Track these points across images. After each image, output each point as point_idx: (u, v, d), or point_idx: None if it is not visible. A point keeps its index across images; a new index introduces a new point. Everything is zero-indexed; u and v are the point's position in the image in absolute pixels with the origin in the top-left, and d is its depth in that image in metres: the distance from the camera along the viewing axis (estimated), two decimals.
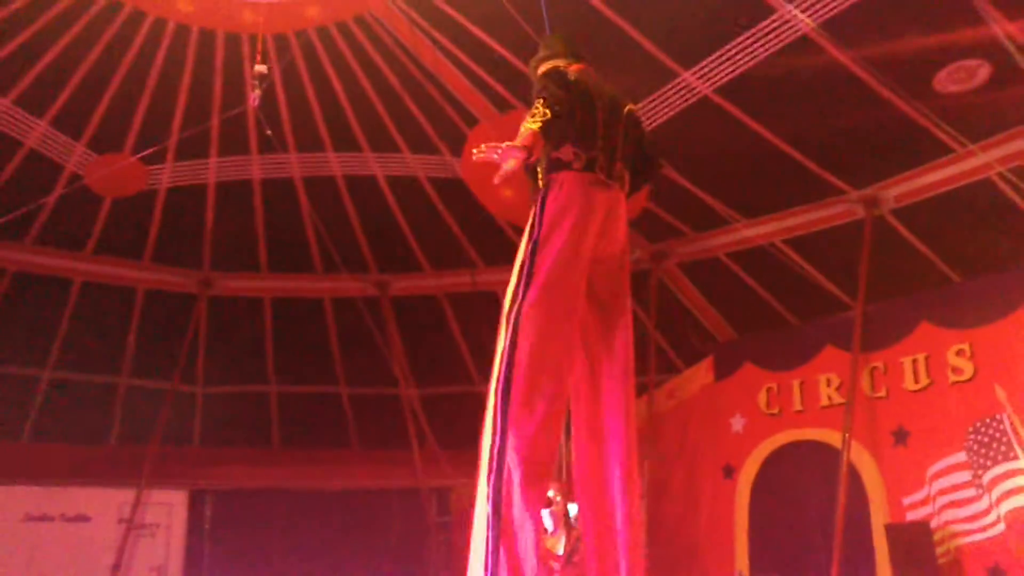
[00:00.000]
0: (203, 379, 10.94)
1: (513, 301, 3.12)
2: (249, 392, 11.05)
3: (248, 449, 10.91)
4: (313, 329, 10.93)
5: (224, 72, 8.33)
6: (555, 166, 3.25)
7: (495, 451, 2.93)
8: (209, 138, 8.97)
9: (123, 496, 10.13)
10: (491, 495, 2.88)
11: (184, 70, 8.30)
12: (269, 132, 8.33)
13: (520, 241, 3.35)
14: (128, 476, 10.12)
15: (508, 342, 3.04)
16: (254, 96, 7.36)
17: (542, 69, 3.59)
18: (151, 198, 9.57)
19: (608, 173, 3.31)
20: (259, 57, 7.49)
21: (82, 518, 10.07)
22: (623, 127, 3.48)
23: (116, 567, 9.83)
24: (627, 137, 3.49)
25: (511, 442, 2.91)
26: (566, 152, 3.26)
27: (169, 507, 10.44)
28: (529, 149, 2.98)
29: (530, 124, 3.04)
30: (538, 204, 3.22)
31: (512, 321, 3.06)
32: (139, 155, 8.45)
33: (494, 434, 2.95)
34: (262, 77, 7.28)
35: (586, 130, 3.27)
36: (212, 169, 9.39)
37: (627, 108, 3.57)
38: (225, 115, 8.28)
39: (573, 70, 3.51)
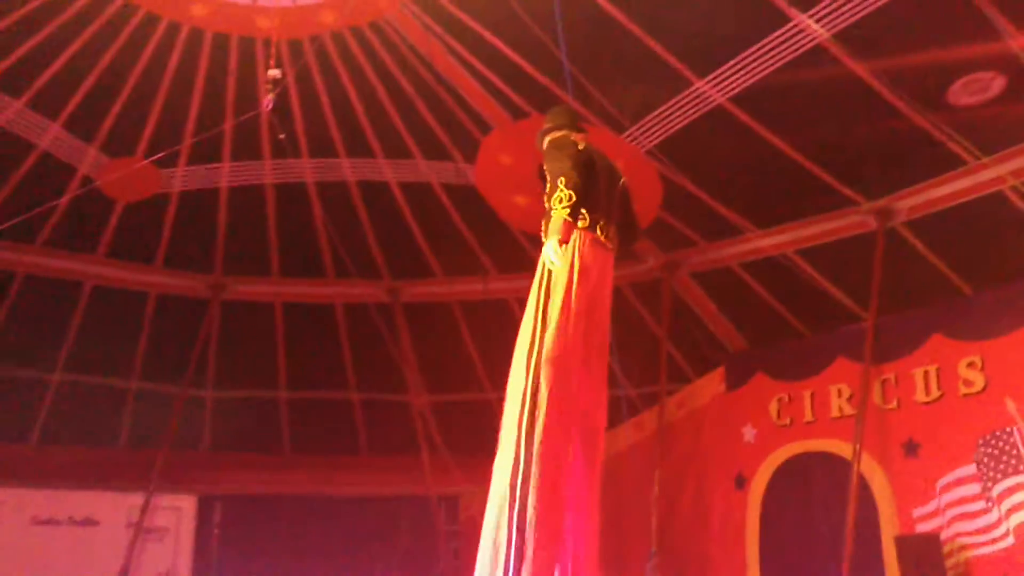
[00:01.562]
0: (213, 384, 10.95)
1: (531, 345, 3.38)
2: (259, 397, 11.06)
3: (258, 454, 10.92)
4: (324, 334, 10.94)
5: (237, 76, 8.36)
6: (578, 206, 3.58)
7: (515, 483, 3.14)
8: (222, 142, 9.00)
9: (132, 500, 10.13)
10: (514, 530, 3.08)
11: (197, 74, 8.33)
12: (282, 136, 8.35)
13: (534, 253, 3.78)
14: (137, 480, 10.12)
15: (532, 384, 3.29)
16: (267, 100, 7.36)
17: (550, 137, 3.95)
18: (163, 202, 9.60)
19: (606, 235, 3.69)
20: (272, 62, 7.51)
21: (90, 522, 10.06)
22: (618, 196, 3.90)
23: (124, 571, 9.82)
24: (620, 206, 3.91)
25: (534, 482, 3.13)
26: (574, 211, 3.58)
27: (178, 511, 10.43)
28: (566, 236, 3.44)
29: (560, 212, 3.45)
30: (564, 239, 3.52)
31: (533, 365, 3.33)
32: (152, 158, 8.47)
33: (516, 463, 3.17)
34: (275, 81, 7.29)
35: (590, 194, 3.62)
36: (225, 173, 9.42)
37: (622, 180, 3.98)
38: (238, 119, 8.30)
39: (579, 139, 3.87)
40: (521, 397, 3.28)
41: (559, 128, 3.96)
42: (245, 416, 10.89)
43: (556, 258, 3.43)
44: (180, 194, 9.56)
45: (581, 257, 3.53)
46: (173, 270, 10.35)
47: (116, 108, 8.53)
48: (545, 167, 3.69)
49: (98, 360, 10.34)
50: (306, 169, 9.46)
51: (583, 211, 3.55)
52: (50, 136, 8.63)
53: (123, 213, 9.63)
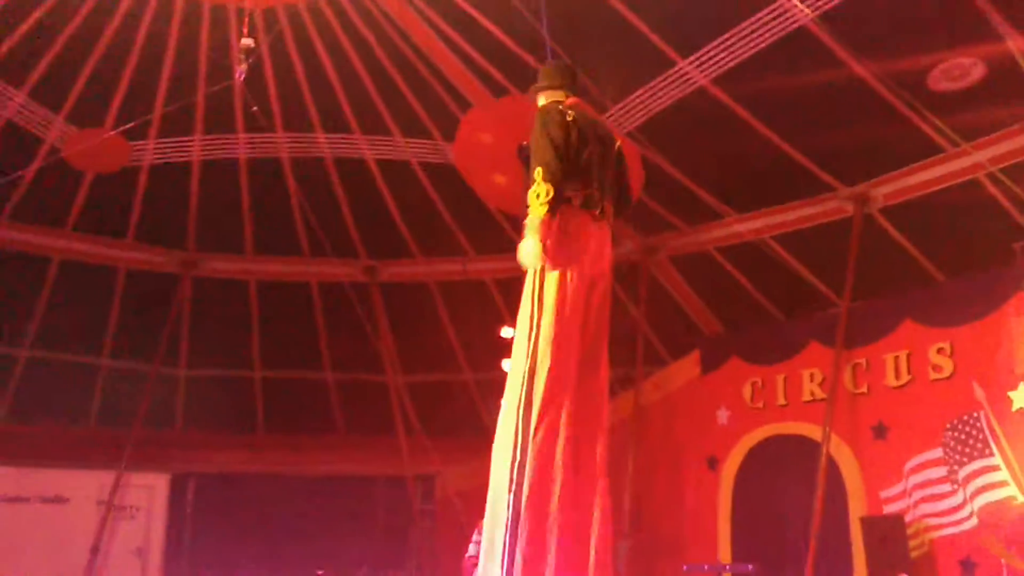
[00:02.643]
0: (186, 362, 10.81)
1: (530, 327, 3.32)
2: (233, 376, 10.94)
3: (231, 434, 10.83)
4: (300, 314, 10.83)
5: (210, 46, 8.16)
6: (558, 199, 3.40)
7: (513, 466, 3.15)
8: (194, 114, 8.81)
9: (102, 478, 10.01)
10: (512, 510, 3.10)
11: (168, 42, 8.12)
12: (255, 108, 8.17)
13: (514, 234, 3.58)
14: (108, 458, 9.99)
15: (529, 367, 3.26)
16: (240, 71, 7.18)
17: (541, 102, 3.74)
18: (133, 175, 9.39)
19: (601, 209, 3.54)
20: (246, 31, 7.32)
21: (59, 500, 9.94)
22: (613, 161, 3.70)
23: (95, 549, 9.72)
24: (615, 172, 3.73)
25: (530, 463, 3.16)
26: (567, 188, 3.43)
27: (150, 490, 10.35)
28: (547, 237, 3.29)
29: (539, 209, 3.26)
30: (544, 238, 3.38)
31: (531, 347, 3.28)
32: (120, 129, 8.26)
33: (515, 448, 3.17)
34: (248, 51, 7.10)
35: (582, 168, 3.47)
36: (197, 146, 9.22)
37: (617, 144, 3.79)
38: (210, 90, 8.11)
39: (570, 105, 3.65)
40: (520, 379, 3.26)
41: (552, 88, 3.73)
42: (218, 395, 10.77)
43: (534, 260, 3.29)
44: (151, 167, 9.36)
45: (578, 238, 3.41)
46: (144, 245, 10.17)
47: (84, 77, 8.30)
48: (531, 143, 3.47)
49: (67, 337, 10.16)
50: (281, 144, 9.29)
51: (575, 188, 3.41)
52: (15, 105, 8.39)
53: (92, 186, 9.41)
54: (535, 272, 3.37)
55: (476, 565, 5.46)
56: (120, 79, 8.36)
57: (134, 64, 8.25)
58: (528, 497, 3.10)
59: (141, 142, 8.98)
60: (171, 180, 9.49)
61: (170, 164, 9.34)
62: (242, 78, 7.27)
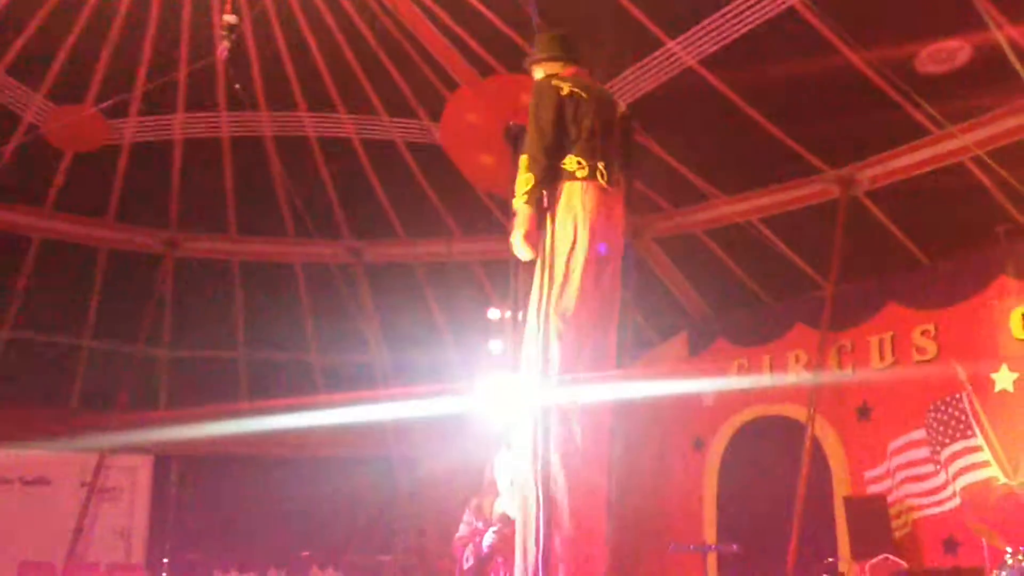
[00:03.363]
0: (169, 343, 10.73)
1: (540, 301, 3.28)
2: (217, 357, 10.87)
3: (215, 415, 10.74)
4: (284, 295, 10.75)
5: (192, 22, 8.02)
6: (558, 176, 3.37)
7: (536, 439, 3.14)
8: (175, 92, 8.68)
9: (85, 459, 9.96)
10: (540, 498, 3.10)
11: (149, 19, 7.98)
12: (238, 86, 8.06)
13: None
14: (90, 440, 9.91)
15: (543, 340, 3.24)
16: (223, 48, 7.07)
17: (539, 75, 3.64)
18: (114, 154, 9.26)
19: (608, 179, 3.45)
20: (229, 7, 7.19)
21: (42, 481, 9.89)
22: (619, 130, 3.62)
23: (78, 530, 9.67)
24: (622, 140, 3.66)
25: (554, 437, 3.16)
26: (569, 162, 3.38)
27: (133, 471, 10.32)
28: (534, 229, 3.26)
29: (521, 201, 3.25)
30: (548, 213, 3.36)
31: (543, 320, 3.26)
32: (100, 106, 8.12)
33: (535, 424, 3.16)
34: (231, 28, 6.99)
35: (584, 140, 3.40)
36: (178, 125, 9.11)
37: (621, 111, 3.70)
38: (192, 67, 7.98)
39: (567, 76, 3.54)
40: (536, 354, 3.22)
41: (549, 59, 3.61)
42: (202, 376, 10.69)
43: (523, 252, 3.26)
44: (132, 145, 9.23)
45: (585, 211, 3.34)
46: (125, 225, 10.04)
47: (63, 53, 8.15)
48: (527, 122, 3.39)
49: (48, 317, 10.04)
50: (264, 122, 9.18)
51: (579, 160, 3.34)
52: None
53: (72, 164, 9.27)
54: (546, 244, 3.30)
55: (466, 545, 5.49)
56: (100, 56, 8.22)
57: (115, 40, 8.11)
58: (557, 469, 3.14)
59: (122, 120, 8.84)
60: (153, 159, 9.37)
61: (151, 143, 9.22)
62: (225, 55, 7.16)
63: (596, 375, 3.35)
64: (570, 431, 3.24)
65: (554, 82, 3.47)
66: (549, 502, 3.09)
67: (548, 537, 3.05)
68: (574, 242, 3.31)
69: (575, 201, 3.34)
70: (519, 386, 3.37)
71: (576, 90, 3.47)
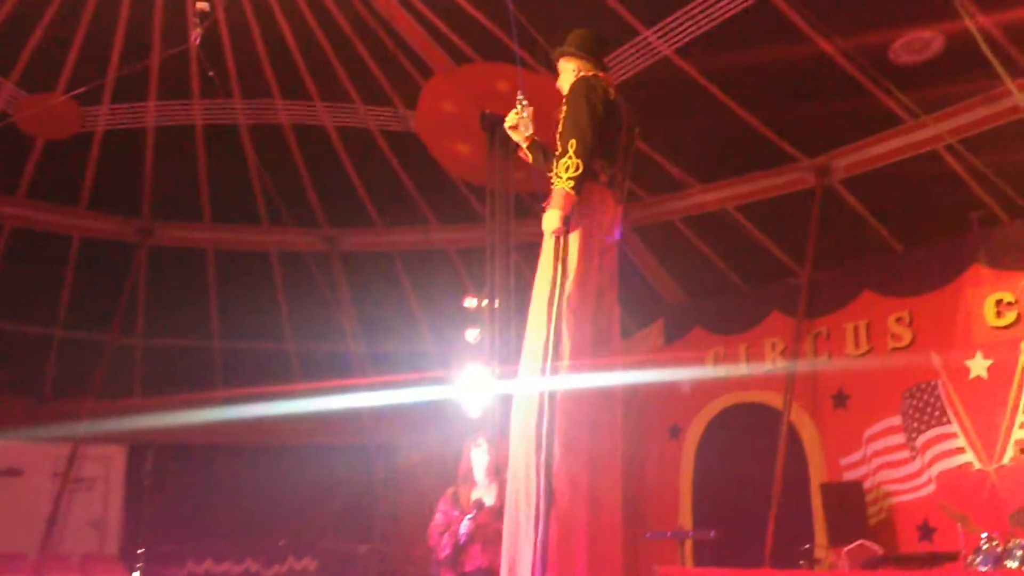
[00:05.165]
0: (143, 332, 10.63)
1: (552, 293, 3.31)
2: (192, 346, 10.79)
3: (190, 404, 10.68)
4: (259, 284, 10.67)
5: (164, 9, 7.91)
6: (583, 179, 3.37)
7: (540, 429, 3.16)
8: (148, 79, 8.58)
9: (58, 450, 9.87)
10: (541, 486, 3.13)
11: (121, 5, 7.86)
12: (211, 73, 7.97)
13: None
14: (64, 429, 9.82)
15: (556, 331, 3.27)
16: (195, 35, 7.01)
17: (567, 68, 3.64)
18: (87, 141, 9.15)
19: (622, 190, 3.57)
20: None
21: (14, 472, 9.80)
22: (632, 147, 3.70)
23: (52, 521, 9.59)
24: (631, 156, 3.73)
25: (559, 425, 3.19)
26: (596, 164, 3.41)
27: (107, 461, 10.24)
28: (570, 214, 3.27)
29: (564, 184, 3.23)
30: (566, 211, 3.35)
31: (555, 313, 3.29)
32: (72, 94, 8.01)
33: (540, 414, 3.18)
34: (204, 15, 6.92)
35: (611, 148, 3.46)
36: (151, 112, 9.00)
37: (636, 129, 3.74)
38: (165, 53, 7.89)
39: (608, 82, 3.59)
40: (544, 344, 3.23)
41: (581, 57, 3.61)
42: (177, 365, 10.61)
43: (556, 228, 3.26)
44: (104, 133, 9.11)
45: (601, 215, 3.43)
46: (98, 213, 9.92)
47: (34, 40, 8.02)
48: (568, 111, 3.37)
49: (20, 306, 9.92)
50: (238, 110, 9.08)
51: (603, 165, 3.40)
52: None
53: (43, 151, 9.14)
54: (558, 240, 3.33)
55: (442, 534, 5.51)
56: (72, 42, 8.10)
57: (86, 27, 7.99)
58: (559, 460, 3.14)
59: (94, 107, 8.72)
60: (125, 146, 9.26)
61: (124, 130, 9.10)
62: (197, 42, 7.10)
63: (604, 363, 3.41)
64: (573, 421, 3.26)
65: (603, 83, 3.51)
66: (550, 493, 3.10)
67: (548, 527, 3.07)
68: (589, 241, 3.37)
69: (595, 203, 3.40)
70: (522, 376, 3.39)
71: (618, 98, 3.55)
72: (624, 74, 7.68)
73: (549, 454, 3.13)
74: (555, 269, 3.30)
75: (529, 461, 3.19)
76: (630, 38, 7.41)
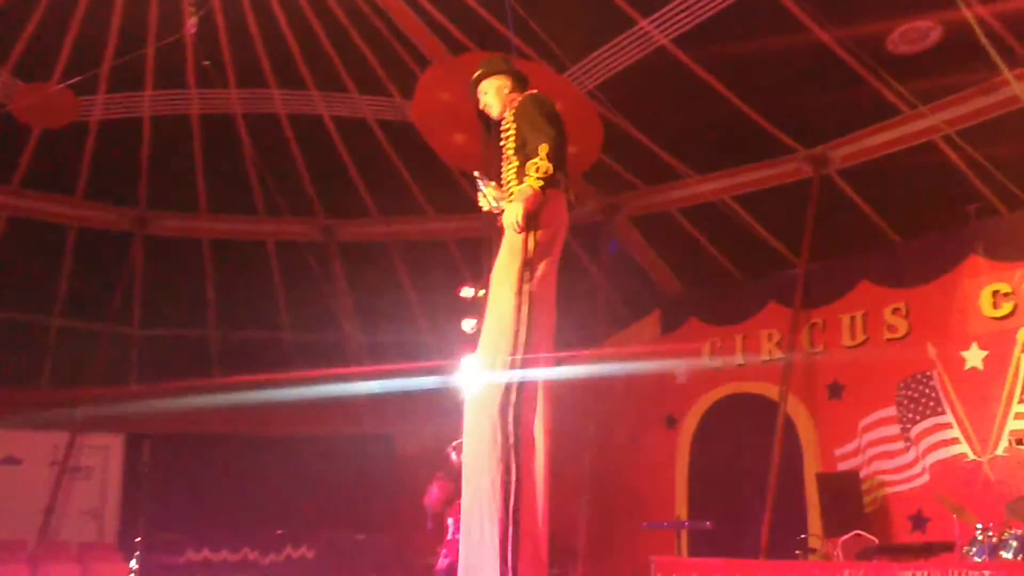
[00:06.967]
0: (140, 321, 10.64)
1: (521, 279, 3.42)
2: (188, 336, 10.81)
3: (187, 393, 10.69)
4: (256, 273, 10.67)
5: None
6: (550, 183, 3.52)
7: (506, 425, 3.24)
8: (144, 69, 8.55)
9: (55, 439, 9.89)
10: (506, 465, 3.20)
11: None
12: (207, 62, 7.95)
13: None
14: (61, 419, 9.85)
15: (523, 321, 3.37)
16: (191, 24, 6.98)
17: (495, 85, 3.77)
18: (82, 131, 9.12)
19: (571, 195, 3.71)
20: None
21: (12, 461, 9.83)
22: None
23: (49, 510, 9.62)
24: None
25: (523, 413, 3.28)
26: (559, 174, 3.54)
27: (105, 450, 10.26)
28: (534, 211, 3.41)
29: (533, 182, 3.38)
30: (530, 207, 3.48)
31: (524, 299, 3.40)
32: (68, 83, 7.99)
33: (504, 407, 3.27)
34: (199, 3, 6.90)
35: (564, 158, 3.61)
36: (147, 102, 8.98)
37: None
38: (160, 43, 7.85)
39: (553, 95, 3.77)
40: (513, 326, 3.32)
41: (516, 76, 3.79)
42: (173, 354, 10.63)
43: (516, 226, 3.38)
44: (100, 122, 9.09)
45: (561, 219, 3.57)
46: (94, 202, 9.91)
47: (29, 29, 7.99)
48: (524, 123, 3.55)
49: (17, 296, 9.92)
50: (234, 100, 9.05)
51: (561, 175, 3.53)
52: None
53: (39, 141, 9.12)
54: (520, 237, 3.44)
55: (443, 504, 5.73)
56: (68, 32, 8.06)
57: (82, 16, 7.96)
58: (522, 450, 3.20)
59: (89, 97, 8.69)
60: (121, 136, 9.24)
61: (120, 120, 9.08)
62: (193, 31, 7.07)
63: (562, 355, 3.61)
64: (534, 409, 3.37)
65: (549, 99, 3.67)
66: (518, 480, 3.15)
67: (516, 512, 3.11)
68: (552, 242, 3.52)
69: (556, 207, 3.55)
70: (481, 366, 3.44)
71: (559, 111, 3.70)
72: (621, 64, 7.66)
73: (516, 451, 3.19)
74: (522, 268, 3.41)
75: (493, 459, 3.22)
76: (627, 27, 7.37)
